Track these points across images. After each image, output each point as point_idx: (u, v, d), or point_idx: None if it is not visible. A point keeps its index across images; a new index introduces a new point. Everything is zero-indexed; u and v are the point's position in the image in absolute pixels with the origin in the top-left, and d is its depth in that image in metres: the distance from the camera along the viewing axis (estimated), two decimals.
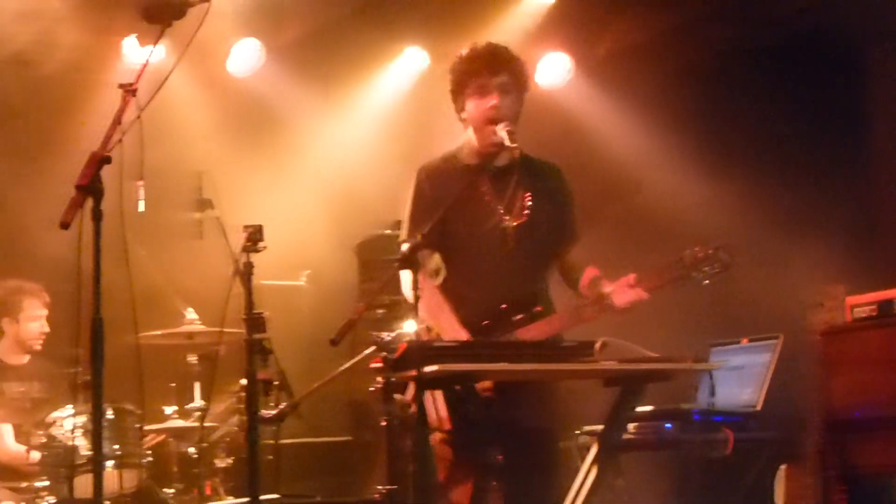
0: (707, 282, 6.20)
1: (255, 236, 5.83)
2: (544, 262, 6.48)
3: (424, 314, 5.97)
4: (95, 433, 4.68)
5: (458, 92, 6.43)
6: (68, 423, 7.68)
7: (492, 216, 6.29)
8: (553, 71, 10.64)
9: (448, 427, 5.95)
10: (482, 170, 6.33)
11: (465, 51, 6.47)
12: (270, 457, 7.69)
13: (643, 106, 10.13)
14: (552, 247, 6.45)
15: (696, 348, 6.12)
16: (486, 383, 5.94)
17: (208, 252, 8.11)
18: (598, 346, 5.78)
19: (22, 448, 8.32)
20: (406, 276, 6.02)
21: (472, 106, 6.35)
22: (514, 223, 6.33)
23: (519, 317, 6.19)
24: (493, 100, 6.28)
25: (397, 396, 5.69)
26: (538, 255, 6.43)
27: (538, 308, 6.32)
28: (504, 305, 6.18)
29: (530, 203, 6.38)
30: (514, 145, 6.14)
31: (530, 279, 6.41)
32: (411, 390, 5.69)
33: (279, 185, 10.19)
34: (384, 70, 10.58)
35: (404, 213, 6.44)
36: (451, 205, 6.03)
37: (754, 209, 9.07)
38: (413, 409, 5.78)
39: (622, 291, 6.12)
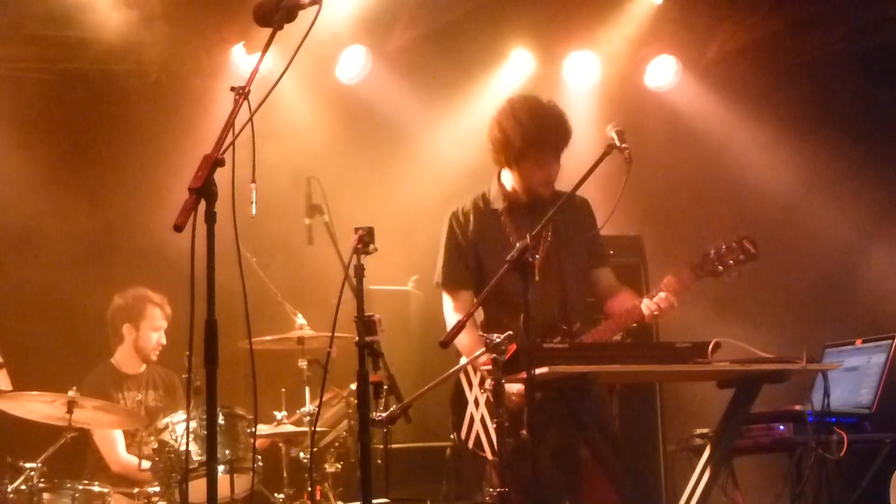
0: (737, 274, 6.26)
1: (365, 238, 5.82)
2: (572, 286, 6.66)
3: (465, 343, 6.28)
4: (210, 434, 4.67)
5: (512, 158, 6.60)
6: (180, 428, 7.72)
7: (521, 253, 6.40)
8: (660, 73, 10.58)
9: None
10: (510, 211, 6.66)
11: (527, 114, 6.58)
12: (380, 461, 7.68)
13: (751, 108, 10.04)
14: (578, 272, 6.72)
15: (810, 349, 6.03)
16: (516, 388, 6.00)
17: (318, 258, 8.13)
18: (711, 346, 5.75)
19: (133, 459, 8.43)
20: (447, 302, 6.68)
21: (528, 172, 6.59)
22: (537, 257, 6.40)
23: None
24: (552, 169, 6.59)
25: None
26: (564, 282, 6.65)
27: (573, 327, 6.42)
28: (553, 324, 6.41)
29: (551, 237, 6.62)
30: (626, 146, 6.15)
31: (560, 304, 6.55)
32: None
33: (387, 190, 10.22)
34: (491, 73, 10.56)
35: (438, 255, 6.83)
36: (482, 246, 6.52)
37: (871, 211, 8.96)
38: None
39: (649, 304, 6.37)
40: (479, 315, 6.64)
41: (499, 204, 6.73)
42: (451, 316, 6.70)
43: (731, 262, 6.37)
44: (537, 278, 6.41)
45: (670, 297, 6.36)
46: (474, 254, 6.57)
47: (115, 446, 8.66)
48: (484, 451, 6.28)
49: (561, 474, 6.45)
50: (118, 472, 8.56)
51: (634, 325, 6.48)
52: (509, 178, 6.70)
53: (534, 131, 6.51)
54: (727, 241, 6.38)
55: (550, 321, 6.43)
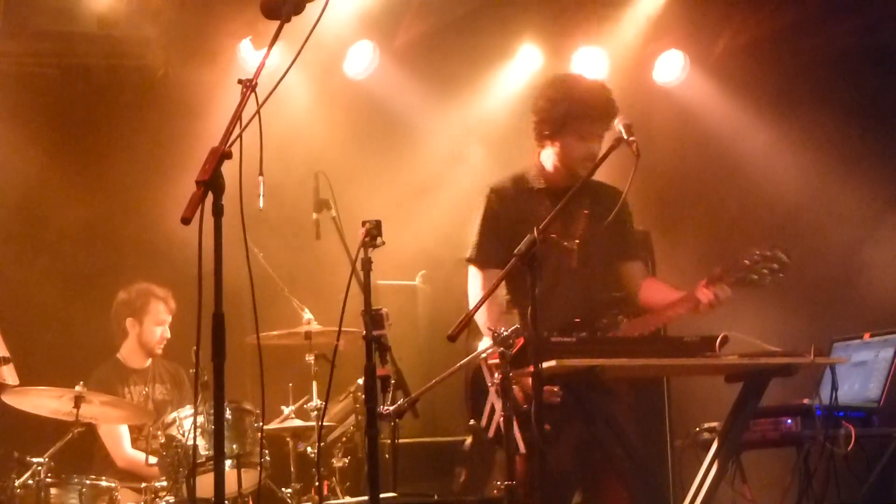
0: (768, 283, 6.22)
1: (373, 232, 5.79)
2: (608, 275, 6.64)
3: (485, 320, 6.19)
4: (217, 428, 4.67)
5: (556, 128, 6.49)
6: (187, 423, 7.72)
7: (555, 239, 6.37)
8: (668, 68, 10.57)
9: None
10: (549, 193, 6.55)
11: (574, 86, 6.60)
12: (388, 456, 7.69)
13: (759, 103, 10.03)
14: (612, 263, 6.66)
15: (818, 344, 6.02)
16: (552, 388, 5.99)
17: (325, 253, 8.13)
18: (719, 340, 5.74)
19: (139, 455, 8.44)
20: (474, 278, 6.54)
21: (569, 146, 6.49)
22: (576, 242, 6.39)
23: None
24: (594, 146, 6.44)
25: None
26: (600, 271, 6.62)
27: (606, 319, 6.40)
28: (577, 319, 6.28)
29: (588, 223, 6.56)
30: (633, 139, 6.13)
31: (597, 292, 6.54)
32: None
33: (394, 185, 10.21)
34: (499, 69, 10.56)
35: (471, 231, 6.71)
36: (520, 225, 6.17)
37: (880, 206, 8.95)
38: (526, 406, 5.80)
39: (706, 292, 6.27)
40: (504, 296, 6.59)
41: (538, 184, 6.65)
42: (476, 292, 6.61)
43: (766, 271, 6.30)
44: (574, 265, 6.45)
45: (727, 287, 6.30)
46: (510, 233, 6.29)
47: (121, 441, 8.67)
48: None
49: (577, 469, 6.43)
50: (124, 468, 8.57)
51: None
52: (549, 158, 6.62)
53: (579, 101, 6.48)
54: (761, 250, 6.31)
55: (579, 312, 6.38)
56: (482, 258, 6.66)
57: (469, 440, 6.43)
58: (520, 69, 10.57)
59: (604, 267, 6.61)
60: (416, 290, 10.16)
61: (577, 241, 6.49)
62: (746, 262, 6.27)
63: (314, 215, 7.89)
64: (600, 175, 6.37)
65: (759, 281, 6.25)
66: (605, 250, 6.59)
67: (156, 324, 8.95)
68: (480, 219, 6.68)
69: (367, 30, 10.05)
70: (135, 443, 8.66)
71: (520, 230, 6.02)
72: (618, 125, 6.22)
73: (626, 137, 6.15)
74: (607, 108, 6.49)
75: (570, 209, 6.31)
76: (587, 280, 6.53)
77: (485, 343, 6.08)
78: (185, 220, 4.35)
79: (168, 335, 9.00)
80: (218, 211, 4.49)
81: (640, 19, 10.23)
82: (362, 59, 10.25)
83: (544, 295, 6.12)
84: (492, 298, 6.20)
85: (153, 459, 7.91)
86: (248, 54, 9.66)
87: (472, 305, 6.23)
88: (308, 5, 4.94)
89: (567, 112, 6.47)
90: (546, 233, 5.80)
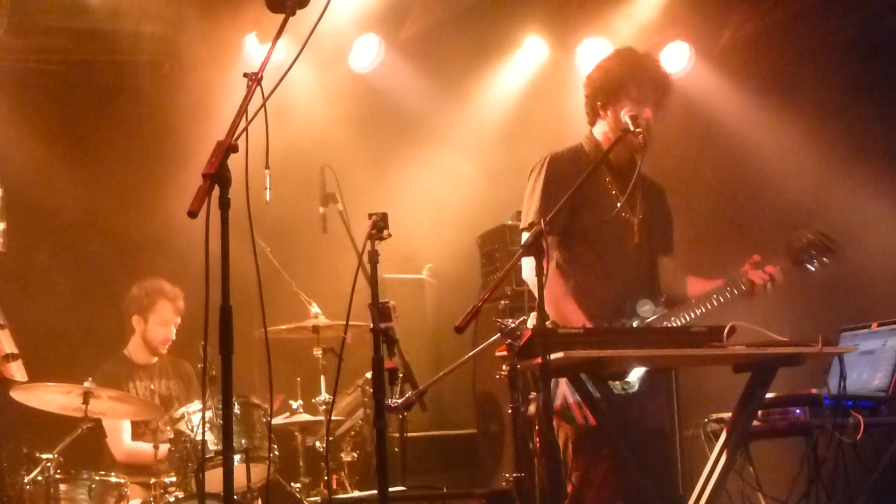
0: (815, 267, 6.25)
1: (379, 224, 5.80)
2: (658, 258, 6.56)
3: (547, 302, 5.93)
4: (225, 419, 4.67)
5: (611, 94, 6.44)
6: (196, 417, 7.71)
7: (615, 209, 6.30)
8: (674, 59, 10.56)
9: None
10: (609, 165, 6.42)
11: (628, 55, 6.57)
12: (396, 449, 7.69)
13: (766, 93, 10.01)
14: (659, 249, 6.60)
15: (826, 333, 6.01)
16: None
17: (332, 247, 8.14)
18: (727, 330, 5.73)
19: (138, 445, 8.47)
20: (528, 263, 6.05)
21: (625, 110, 6.35)
22: (638, 217, 6.37)
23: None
24: (647, 112, 6.35)
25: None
26: (656, 251, 6.54)
27: (662, 298, 6.38)
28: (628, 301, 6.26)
29: (645, 203, 6.52)
30: (639, 130, 6.14)
31: (655, 271, 6.49)
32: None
33: (400, 178, 10.23)
34: (504, 61, 10.57)
35: (531, 197, 6.45)
36: (579, 195, 6.03)
37: (883, 194, 8.94)
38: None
39: (761, 273, 6.30)
40: (565, 280, 6.38)
41: (597, 155, 6.47)
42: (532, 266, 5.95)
43: (815, 253, 6.39)
44: (637, 240, 6.43)
45: (780, 270, 6.34)
46: (570, 202, 6.02)
47: (120, 434, 8.66)
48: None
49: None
50: (122, 461, 8.56)
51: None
52: (602, 131, 6.53)
53: (633, 66, 6.48)
54: (809, 233, 6.39)
55: (642, 286, 6.40)
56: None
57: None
58: (525, 61, 10.60)
59: (655, 251, 6.57)
60: (423, 283, 10.17)
61: (640, 217, 6.47)
62: (798, 244, 6.32)
63: (321, 209, 7.91)
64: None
65: (809, 265, 6.33)
66: (658, 234, 6.58)
67: (161, 324, 8.94)
68: (541, 186, 6.40)
69: (372, 23, 10.06)
70: (140, 437, 8.65)
71: (582, 201, 6.05)
72: (624, 116, 6.22)
73: (631, 129, 6.16)
74: (661, 74, 6.54)
75: (631, 185, 6.31)
76: (648, 256, 6.50)
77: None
78: (192, 214, 4.35)
79: (172, 337, 8.98)
80: (224, 203, 4.49)
81: (644, 11, 10.23)
82: (368, 53, 10.27)
83: (605, 267, 6.15)
84: (554, 273, 6.16)
85: (163, 447, 7.90)
86: (253, 49, 9.67)
87: (526, 275, 6.24)
88: None
89: (621, 77, 6.44)
90: (551, 224, 5.77)
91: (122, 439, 8.66)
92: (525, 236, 6.28)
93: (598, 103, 6.50)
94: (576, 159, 6.48)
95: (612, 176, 6.44)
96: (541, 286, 5.46)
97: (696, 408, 7.53)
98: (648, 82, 6.44)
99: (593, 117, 6.58)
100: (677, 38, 10.54)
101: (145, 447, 8.33)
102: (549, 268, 5.90)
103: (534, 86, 10.62)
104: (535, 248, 5.55)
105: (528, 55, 10.56)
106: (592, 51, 10.35)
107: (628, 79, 6.42)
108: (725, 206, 10.10)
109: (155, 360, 9.04)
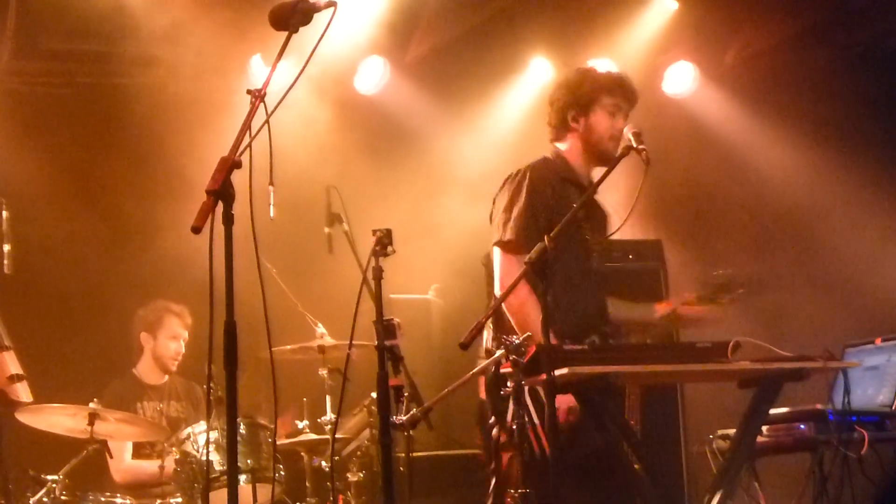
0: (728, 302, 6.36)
1: (384, 240, 5.80)
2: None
3: (517, 315, 6.09)
4: (230, 438, 4.66)
5: (583, 106, 6.48)
6: (202, 438, 7.71)
7: (579, 230, 6.34)
8: (678, 79, 10.58)
9: None
10: (576, 185, 6.50)
11: (604, 69, 6.74)
12: (402, 469, 7.67)
13: (770, 112, 10.04)
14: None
15: (831, 348, 6.02)
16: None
17: (338, 267, 8.14)
18: (731, 346, 5.74)
19: (137, 464, 8.46)
20: (510, 265, 6.24)
21: (598, 123, 6.50)
22: (599, 239, 6.41)
23: None
24: (619, 123, 6.44)
25: None
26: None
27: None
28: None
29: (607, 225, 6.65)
30: (643, 147, 6.14)
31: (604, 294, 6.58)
32: None
33: (406, 199, 10.23)
34: (510, 82, 10.59)
35: (509, 210, 6.44)
36: (559, 214, 6.03)
37: (891, 211, 8.96)
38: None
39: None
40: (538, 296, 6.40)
41: (568, 173, 6.55)
42: (509, 278, 5.96)
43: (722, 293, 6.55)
44: (595, 265, 6.48)
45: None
46: (548, 217, 6.07)
47: (121, 454, 8.61)
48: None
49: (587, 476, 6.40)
50: (119, 480, 8.54)
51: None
52: (573, 147, 6.60)
53: (604, 77, 6.60)
54: (729, 274, 6.51)
55: (600, 313, 6.47)
56: (524, 241, 6.19)
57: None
58: (530, 82, 10.61)
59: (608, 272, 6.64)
60: (429, 303, 10.16)
61: (600, 238, 6.51)
62: (714, 282, 6.44)
63: (326, 229, 7.90)
64: (609, 184, 6.36)
65: (717, 300, 6.42)
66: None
67: (170, 338, 8.97)
68: (524, 200, 6.36)
69: (377, 45, 10.09)
70: (146, 458, 8.64)
71: (556, 220, 5.85)
72: (627, 133, 6.22)
73: (635, 146, 6.16)
74: (630, 85, 6.62)
75: (595, 205, 6.39)
76: (599, 283, 6.53)
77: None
78: (196, 230, 4.35)
79: (182, 350, 9.01)
80: (228, 220, 4.49)
81: (649, 31, 10.27)
82: (373, 75, 10.31)
83: (566, 291, 6.17)
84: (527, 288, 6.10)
85: (170, 461, 7.88)
86: (259, 70, 9.71)
87: (501, 289, 6.22)
88: (316, 15, 4.96)
89: (592, 89, 6.51)
90: (556, 241, 5.76)
91: (122, 458, 8.64)
92: (497, 252, 6.42)
93: (570, 115, 6.55)
94: (552, 175, 6.52)
95: (578, 193, 6.46)
96: (545, 306, 5.48)
97: (702, 424, 7.54)
98: (620, 92, 6.54)
99: (562, 132, 6.63)
100: (682, 58, 10.58)
101: (144, 465, 8.34)
102: (520, 282, 5.85)
103: (539, 107, 10.57)
104: (540, 266, 5.55)
105: (533, 76, 10.58)
106: None
107: (600, 90, 6.50)
108: (730, 223, 10.11)
109: (165, 379, 9.04)
